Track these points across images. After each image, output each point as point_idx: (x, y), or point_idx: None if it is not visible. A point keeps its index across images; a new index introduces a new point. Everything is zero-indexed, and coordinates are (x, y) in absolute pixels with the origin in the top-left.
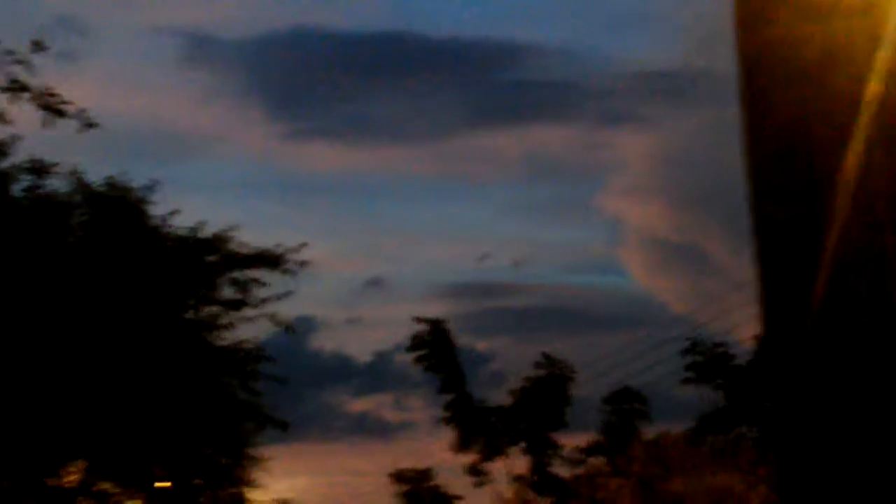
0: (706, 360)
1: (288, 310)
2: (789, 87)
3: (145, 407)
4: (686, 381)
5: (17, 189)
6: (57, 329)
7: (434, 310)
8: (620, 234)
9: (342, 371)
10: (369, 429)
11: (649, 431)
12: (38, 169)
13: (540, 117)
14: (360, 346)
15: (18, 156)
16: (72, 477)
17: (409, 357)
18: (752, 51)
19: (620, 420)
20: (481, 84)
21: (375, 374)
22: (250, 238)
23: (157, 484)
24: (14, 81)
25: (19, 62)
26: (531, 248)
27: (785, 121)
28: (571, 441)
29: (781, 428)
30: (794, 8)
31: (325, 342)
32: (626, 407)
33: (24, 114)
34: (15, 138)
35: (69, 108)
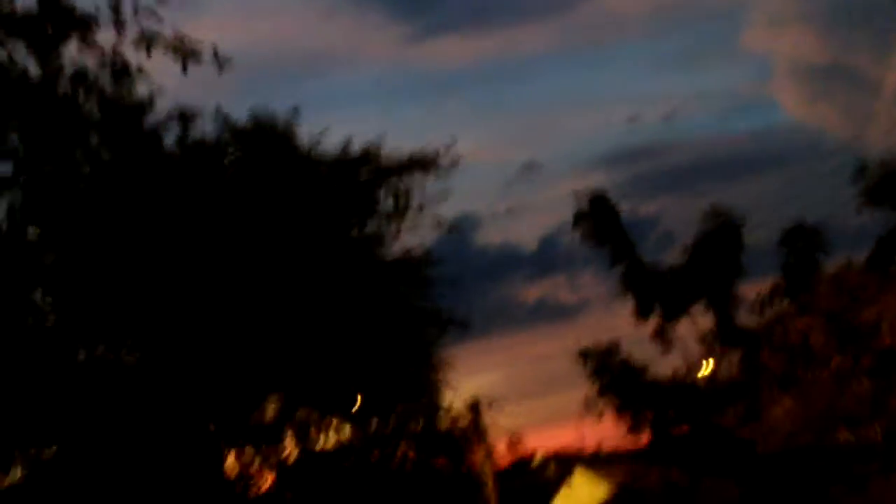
0: (878, 180)
1: (448, 210)
2: None
3: (328, 331)
4: (862, 205)
5: (168, 141)
6: (236, 272)
7: (592, 182)
8: (768, 70)
9: (511, 261)
10: (548, 313)
11: (831, 265)
12: (184, 117)
13: None
14: (525, 233)
15: (163, 109)
16: (272, 410)
17: (575, 235)
18: None
19: (798, 258)
20: None
21: (545, 259)
22: (398, 144)
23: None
24: (145, 34)
25: (149, 14)
26: (678, 101)
27: None
28: (753, 289)
29: None
30: None
31: (489, 235)
32: (802, 244)
33: (160, 64)
34: (157, 91)
35: (202, 48)
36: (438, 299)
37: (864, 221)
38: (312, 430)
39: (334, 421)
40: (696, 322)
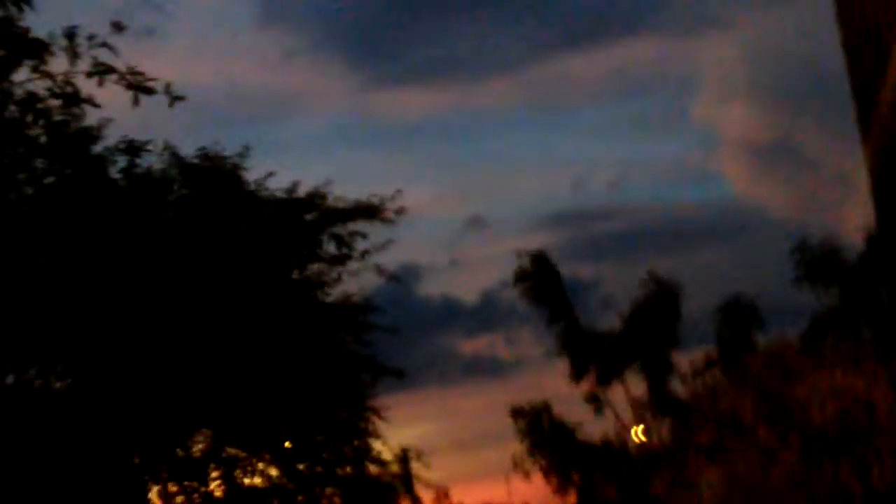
0: (816, 258)
1: (391, 259)
2: None
3: (262, 370)
4: (797, 281)
5: (113, 171)
6: (170, 306)
7: (535, 242)
8: (714, 143)
9: (451, 314)
10: (484, 368)
11: (765, 340)
12: (132, 148)
13: (620, 35)
14: (466, 287)
15: (111, 138)
16: (200, 446)
17: (515, 292)
18: None
19: (733, 331)
20: (558, 7)
21: (484, 314)
22: (345, 191)
23: (286, 444)
24: (99, 65)
25: (102, 45)
26: (625, 167)
27: None
28: (687, 358)
29: None
30: None
31: (431, 287)
32: (737, 317)
33: (111, 95)
34: (106, 121)
35: (155, 85)
36: (375, 347)
37: (801, 298)
38: (239, 469)
39: (262, 461)
40: (629, 387)
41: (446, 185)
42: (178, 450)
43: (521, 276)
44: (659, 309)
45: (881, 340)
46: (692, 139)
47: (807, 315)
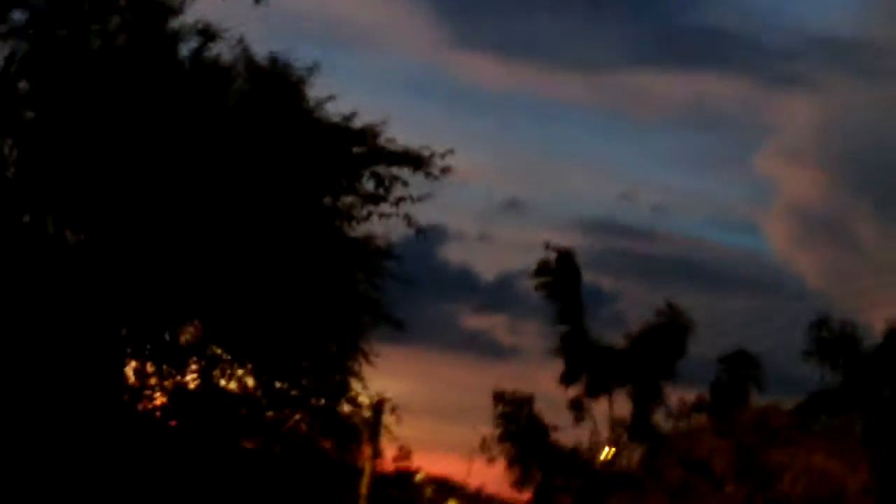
0: (832, 338)
1: (424, 214)
2: None
3: (269, 281)
4: (807, 354)
5: (183, 50)
6: (200, 193)
7: (567, 240)
8: (769, 197)
9: (465, 285)
10: (481, 346)
11: (758, 399)
12: (206, 33)
13: (709, 66)
14: (488, 264)
15: (189, 17)
16: (188, 336)
17: (532, 282)
18: None
19: (731, 382)
20: (657, 21)
21: (497, 295)
22: (399, 136)
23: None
24: None
25: None
26: (675, 195)
27: None
28: (678, 394)
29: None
30: None
31: (454, 253)
32: (739, 370)
33: None
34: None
35: None
36: (383, 292)
37: (806, 371)
38: (219, 369)
39: (242, 368)
40: (615, 406)
41: (499, 160)
42: (166, 334)
43: (542, 269)
44: (666, 340)
45: (870, 432)
46: (749, 188)
47: (807, 389)
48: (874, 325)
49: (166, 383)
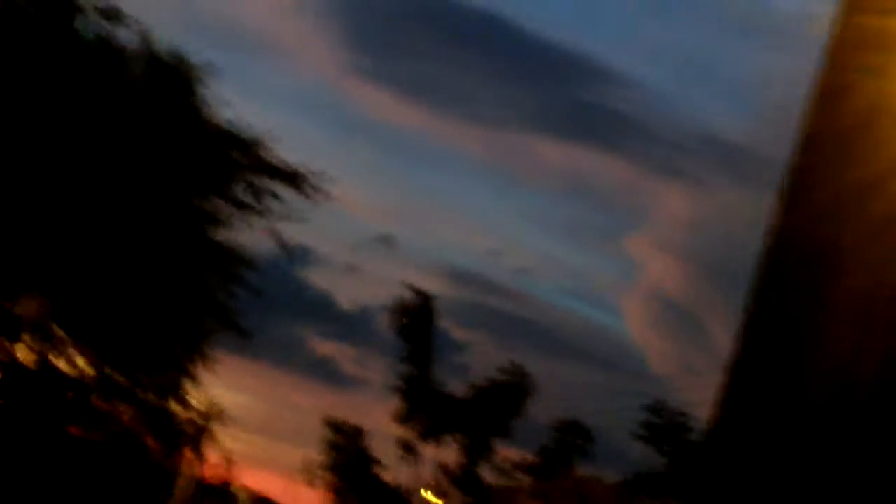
0: (664, 424)
1: (295, 235)
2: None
3: (120, 267)
4: (637, 436)
5: (86, 28)
6: (66, 166)
7: (431, 284)
8: (632, 278)
9: (321, 310)
10: (325, 373)
11: (583, 470)
12: (112, 15)
13: (600, 142)
14: (348, 294)
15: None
16: (25, 309)
17: (387, 319)
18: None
19: (560, 449)
20: (557, 90)
21: (351, 325)
22: (282, 151)
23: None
24: None
25: None
26: (543, 260)
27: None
28: (508, 453)
29: None
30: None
31: (317, 278)
32: (570, 438)
33: None
34: None
35: None
36: (235, 301)
37: (636, 451)
38: (51, 345)
39: (76, 349)
40: (444, 453)
41: (378, 194)
42: (5, 303)
43: (398, 308)
44: (506, 397)
45: None
46: (614, 267)
47: (633, 468)
48: (707, 420)
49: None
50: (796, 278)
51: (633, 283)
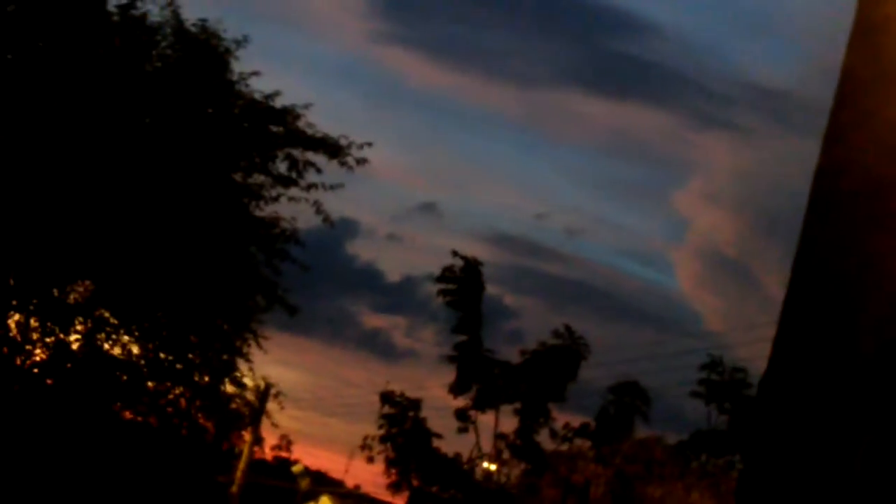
0: (722, 380)
1: (337, 207)
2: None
3: (165, 250)
4: (695, 394)
5: (112, 3)
6: (104, 150)
7: (476, 250)
8: (682, 235)
9: (369, 283)
10: (377, 346)
11: (643, 432)
12: None
13: (641, 97)
14: (394, 265)
15: None
16: (76, 296)
17: (436, 288)
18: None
19: (618, 411)
20: (594, 47)
21: (399, 296)
22: (319, 122)
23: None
24: None
25: None
26: (590, 221)
27: (855, 166)
28: (564, 417)
29: (753, 466)
30: None
31: (361, 249)
32: (627, 400)
33: None
34: None
35: None
36: (282, 276)
37: (695, 409)
38: (104, 333)
39: (128, 335)
40: (500, 421)
41: (419, 161)
42: (54, 290)
43: (446, 275)
44: (560, 362)
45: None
46: (663, 223)
47: (692, 427)
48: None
49: (48, 340)
50: (844, 217)
51: (683, 238)
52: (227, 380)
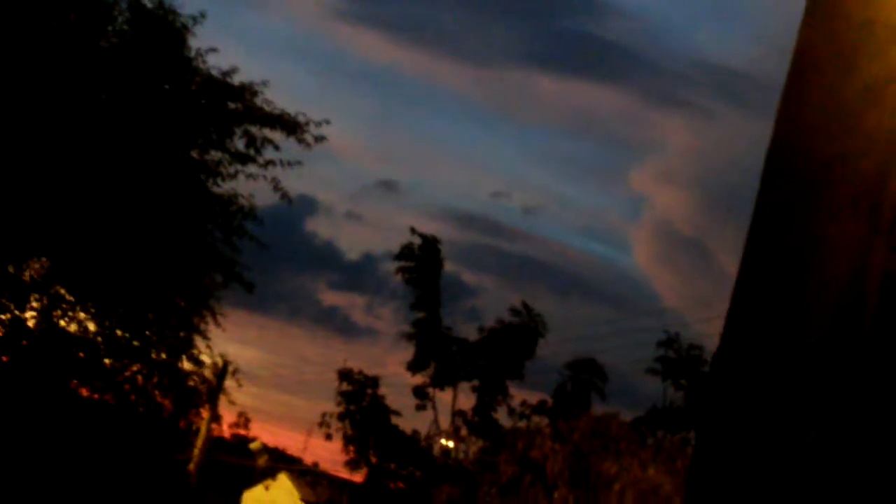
0: (678, 357)
1: (294, 183)
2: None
3: (121, 227)
4: (652, 371)
5: None
6: (60, 126)
7: (435, 228)
8: (639, 213)
9: (327, 261)
10: (335, 323)
11: (599, 408)
12: None
13: (598, 76)
14: (352, 243)
15: None
16: (32, 273)
17: (394, 266)
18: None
19: (575, 388)
20: (554, 27)
21: (357, 273)
22: (276, 99)
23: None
24: None
25: None
26: (547, 199)
27: (807, 139)
28: (522, 394)
29: (705, 440)
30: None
31: (320, 227)
32: (584, 377)
33: None
34: None
35: None
36: (240, 254)
37: (650, 385)
38: (60, 310)
39: (85, 312)
40: (458, 398)
41: (378, 139)
42: (9, 267)
43: (404, 253)
44: (517, 340)
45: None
46: (621, 202)
47: (648, 403)
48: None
49: (4, 317)
50: (794, 194)
51: (640, 216)
52: (184, 357)
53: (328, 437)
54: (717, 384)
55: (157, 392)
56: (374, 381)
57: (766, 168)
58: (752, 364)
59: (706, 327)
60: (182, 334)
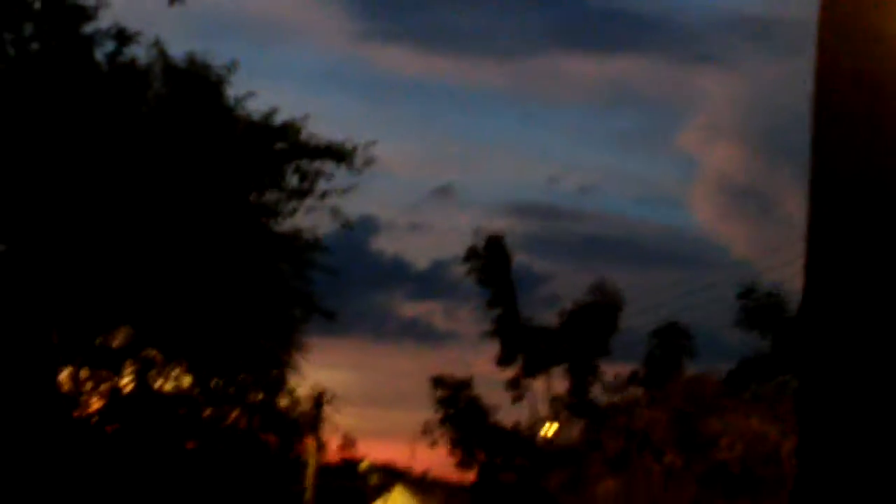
0: (759, 305)
1: (353, 207)
2: (861, 43)
3: (196, 281)
4: (737, 324)
5: (99, 54)
6: (121, 196)
7: (498, 224)
8: (693, 173)
9: (398, 274)
10: (417, 333)
11: (691, 369)
12: (121, 36)
13: (626, 48)
14: (419, 252)
15: (103, 22)
16: (119, 340)
17: (463, 269)
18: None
19: (664, 354)
20: (570, 7)
21: (430, 282)
22: (321, 129)
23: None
24: None
25: None
26: (600, 176)
27: (853, 78)
28: (613, 369)
29: (808, 382)
30: None
31: (385, 244)
32: (671, 342)
33: None
34: (101, 3)
35: None
36: (314, 285)
37: (737, 339)
38: (154, 370)
39: (177, 368)
40: (552, 384)
41: (426, 149)
42: (98, 339)
43: (471, 254)
44: (598, 317)
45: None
46: (672, 165)
47: (738, 356)
48: (800, 291)
49: (102, 388)
50: (852, 111)
51: (693, 176)
52: (280, 394)
53: (433, 444)
54: (810, 325)
55: (261, 432)
56: (465, 384)
57: (816, 102)
58: (843, 302)
59: (781, 273)
60: (274, 372)
